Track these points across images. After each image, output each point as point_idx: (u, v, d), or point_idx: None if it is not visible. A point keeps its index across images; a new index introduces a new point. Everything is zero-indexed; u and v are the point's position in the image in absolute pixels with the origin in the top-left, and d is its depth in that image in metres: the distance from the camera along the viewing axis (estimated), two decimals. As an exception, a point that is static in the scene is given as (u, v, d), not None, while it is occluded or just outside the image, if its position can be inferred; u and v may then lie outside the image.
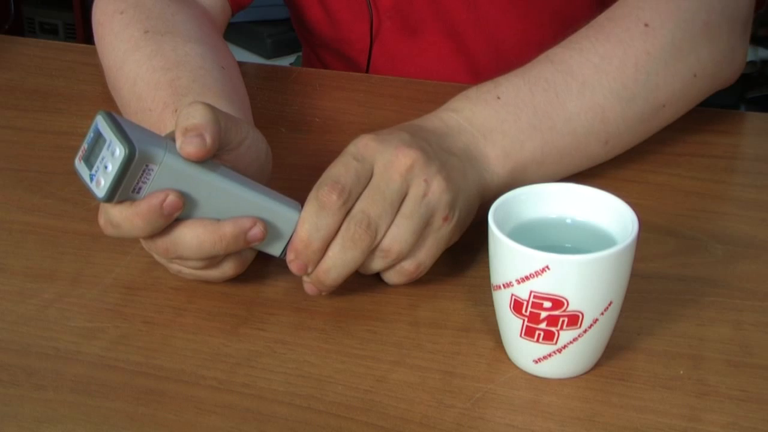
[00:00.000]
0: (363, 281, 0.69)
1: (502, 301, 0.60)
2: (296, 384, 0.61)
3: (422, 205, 0.65)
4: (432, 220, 0.66)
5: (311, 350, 0.63)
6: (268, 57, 2.43)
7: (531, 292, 0.57)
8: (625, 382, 0.60)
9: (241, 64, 0.90)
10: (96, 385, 0.61)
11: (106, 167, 0.61)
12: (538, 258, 0.56)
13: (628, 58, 0.77)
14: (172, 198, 0.61)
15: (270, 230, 0.65)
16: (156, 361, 0.63)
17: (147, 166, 0.61)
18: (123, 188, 0.61)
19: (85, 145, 0.63)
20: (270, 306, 0.67)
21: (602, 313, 0.58)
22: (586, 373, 0.61)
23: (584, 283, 0.57)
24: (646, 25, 0.78)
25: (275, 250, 0.66)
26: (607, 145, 0.78)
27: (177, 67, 0.77)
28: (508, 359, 0.62)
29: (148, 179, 0.61)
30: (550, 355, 0.59)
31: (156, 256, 0.67)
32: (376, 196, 0.64)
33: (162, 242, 0.64)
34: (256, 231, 0.64)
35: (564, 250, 0.60)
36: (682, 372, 0.61)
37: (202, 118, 0.62)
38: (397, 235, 0.65)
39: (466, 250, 0.72)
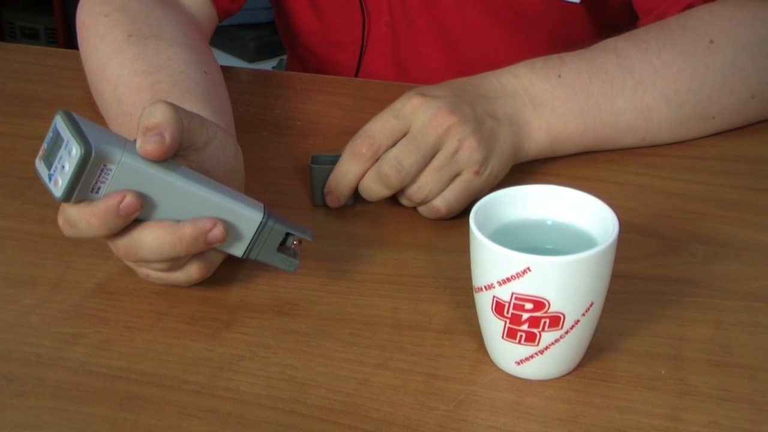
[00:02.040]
0: (345, 284, 0.69)
1: (483, 303, 0.60)
2: (279, 388, 0.61)
3: (452, 161, 0.72)
4: (462, 172, 0.73)
5: (294, 354, 0.63)
6: (251, 60, 2.43)
7: (512, 293, 0.57)
8: (607, 382, 0.61)
9: (223, 67, 0.89)
10: (78, 390, 0.61)
11: (63, 167, 0.61)
12: (519, 260, 0.57)
13: (687, 68, 0.81)
14: (129, 199, 0.61)
15: (231, 231, 0.64)
16: (138, 366, 0.62)
17: (105, 165, 0.61)
18: (81, 188, 0.61)
19: (44, 145, 0.63)
20: (252, 310, 0.67)
21: (583, 314, 0.59)
22: (568, 374, 0.61)
23: (565, 284, 0.57)
24: (711, 41, 0.82)
25: (238, 250, 0.66)
26: (644, 141, 0.83)
27: (158, 72, 0.77)
28: (491, 361, 0.62)
29: (107, 179, 0.61)
30: (532, 356, 0.60)
31: (124, 261, 0.67)
32: (411, 148, 0.72)
33: (122, 244, 0.64)
34: (217, 232, 0.63)
35: (545, 251, 0.60)
36: (663, 372, 0.61)
37: (162, 117, 0.62)
38: (423, 184, 0.73)
39: (447, 252, 0.72)
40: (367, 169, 0.73)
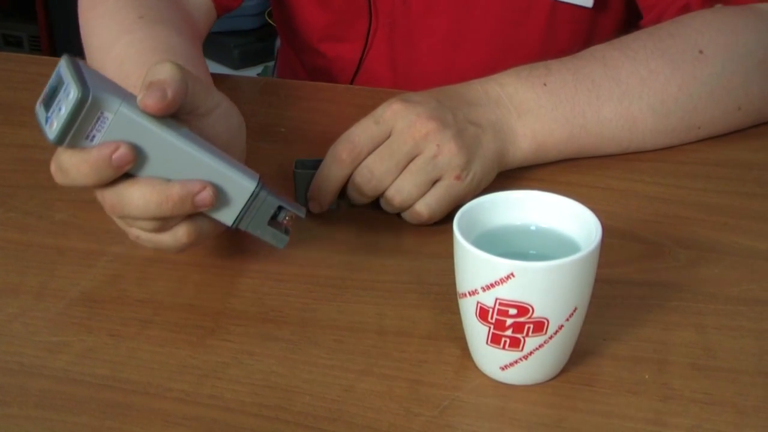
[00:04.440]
0: (329, 290, 0.69)
1: (468, 308, 0.60)
2: (264, 395, 0.61)
3: (430, 164, 0.72)
4: (443, 177, 0.73)
5: (278, 361, 0.63)
6: (236, 68, 2.43)
7: (496, 299, 0.58)
8: (591, 387, 0.61)
9: (206, 74, 0.89)
10: (61, 399, 0.60)
11: (60, 109, 0.60)
12: (502, 265, 0.57)
13: (675, 78, 0.81)
14: (123, 150, 0.61)
15: (222, 198, 0.64)
16: (122, 374, 0.62)
17: (102, 113, 0.60)
18: (75, 132, 0.60)
19: (46, 89, 0.62)
20: (237, 317, 0.67)
21: (567, 319, 0.59)
22: (552, 379, 0.61)
23: (549, 289, 0.57)
24: (701, 51, 0.81)
25: (227, 218, 0.65)
26: (627, 149, 0.83)
27: (167, 52, 0.77)
28: (475, 367, 0.62)
29: (103, 128, 0.60)
30: (516, 361, 0.60)
31: (115, 219, 0.66)
32: (384, 155, 0.72)
33: (109, 197, 0.63)
34: (205, 195, 0.63)
35: (528, 257, 0.60)
36: (647, 376, 0.61)
37: (167, 75, 0.62)
38: (400, 188, 0.72)
39: (431, 258, 0.72)
40: (348, 175, 0.74)
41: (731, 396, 0.60)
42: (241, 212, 0.64)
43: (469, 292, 0.59)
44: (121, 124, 0.61)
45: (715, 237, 0.74)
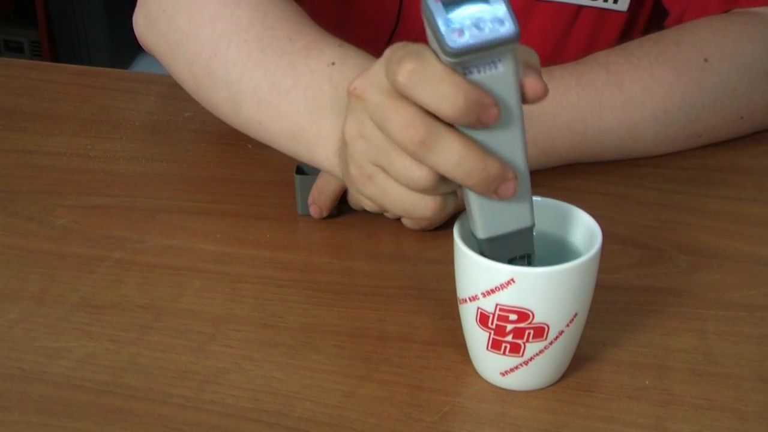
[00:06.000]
0: (330, 296, 0.69)
1: (468, 314, 0.60)
2: (264, 400, 0.61)
3: None
4: None
5: (279, 366, 0.63)
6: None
7: (497, 305, 0.58)
8: (592, 393, 0.61)
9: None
10: (62, 405, 0.60)
11: (480, 28, 0.53)
12: (503, 271, 0.57)
13: (678, 86, 0.80)
14: (495, 111, 0.54)
15: (506, 206, 0.57)
16: (123, 379, 0.62)
17: (499, 59, 0.54)
18: (473, 59, 0.53)
19: None
20: (237, 323, 0.67)
21: (567, 325, 0.59)
22: (552, 384, 0.61)
23: (549, 295, 0.57)
24: (706, 60, 0.80)
25: (486, 229, 0.58)
26: (629, 156, 0.82)
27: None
28: (476, 372, 0.62)
29: (485, 71, 0.54)
30: (516, 367, 0.60)
31: (361, 152, 0.59)
32: None
33: (426, 129, 0.55)
34: (510, 186, 0.56)
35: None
36: (647, 382, 0.61)
37: (537, 62, 0.57)
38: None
39: (432, 263, 0.72)
40: None
41: (732, 402, 0.60)
42: (503, 235, 0.58)
43: (469, 298, 0.59)
44: (499, 80, 0.54)
45: (716, 243, 0.74)
